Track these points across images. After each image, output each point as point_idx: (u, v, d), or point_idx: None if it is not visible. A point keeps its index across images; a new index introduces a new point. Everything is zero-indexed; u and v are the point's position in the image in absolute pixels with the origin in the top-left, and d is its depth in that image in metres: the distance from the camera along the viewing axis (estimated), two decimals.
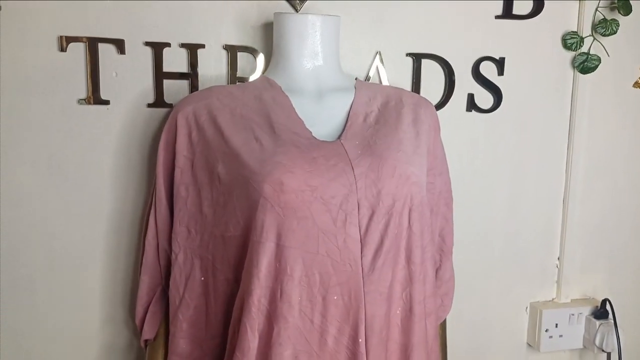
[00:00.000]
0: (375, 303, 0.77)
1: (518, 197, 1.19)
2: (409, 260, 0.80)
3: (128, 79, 0.97)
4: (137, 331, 1.01)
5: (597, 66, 1.14)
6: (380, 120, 0.87)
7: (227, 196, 0.80)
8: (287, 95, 0.86)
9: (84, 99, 0.96)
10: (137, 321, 0.92)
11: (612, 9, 1.13)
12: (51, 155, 0.96)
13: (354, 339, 0.76)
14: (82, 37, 0.93)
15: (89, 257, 1.00)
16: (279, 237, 0.75)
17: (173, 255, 0.86)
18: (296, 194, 0.74)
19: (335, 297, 0.76)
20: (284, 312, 0.74)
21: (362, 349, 0.76)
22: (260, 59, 1.00)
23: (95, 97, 0.96)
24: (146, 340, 0.92)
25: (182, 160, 0.85)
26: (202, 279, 0.85)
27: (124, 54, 0.96)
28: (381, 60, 1.06)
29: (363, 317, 0.76)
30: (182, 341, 0.85)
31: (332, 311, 0.76)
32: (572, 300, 1.24)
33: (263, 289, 0.75)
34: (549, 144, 1.19)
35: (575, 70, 1.15)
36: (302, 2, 1.00)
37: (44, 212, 0.97)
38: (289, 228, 0.74)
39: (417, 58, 1.08)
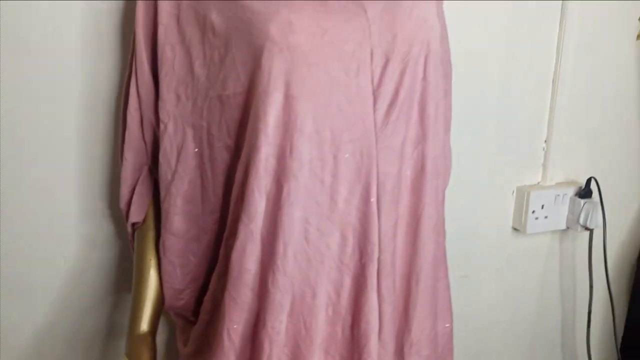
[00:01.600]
0: (388, 160, 0.72)
1: (510, 76, 1.16)
2: (422, 113, 0.75)
3: None
4: (119, 224, 0.94)
5: None
6: None
7: (223, 49, 0.71)
8: None
9: None
10: (123, 205, 0.84)
11: None
12: (7, 27, 0.83)
13: (366, 199, 0.72)
14: None
15: (60, 143, 0.90)
16: (287, 86, 0.67)
17: (162, 126, 0.78)
18: (306, 36, 0.66)
19: (347, 155, 0.70)
20: (295, 171, 0.69)
21: (374, 208, 0.72)
22: None
23: None
24: (134, 224, 0.85)
25: (165, 16, 0.75)
26: (196, 150, 0.77)
27: None
28: None
29: (375, 175, 0.72)
30: (176, 218, 0.79)
31: (343, 170, 0.71)
32: (556, 183, 1.25)
33: (271, 146, 0.69)
34: (541, 21, 1.15)
35: None
36: None
37: (5, 95, 0.85)
38: (298, 76, 0.67)
39: None
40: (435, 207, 0.78)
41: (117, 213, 0.93)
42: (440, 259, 0.84)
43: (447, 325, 0.89)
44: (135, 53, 0.78)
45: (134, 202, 0.83)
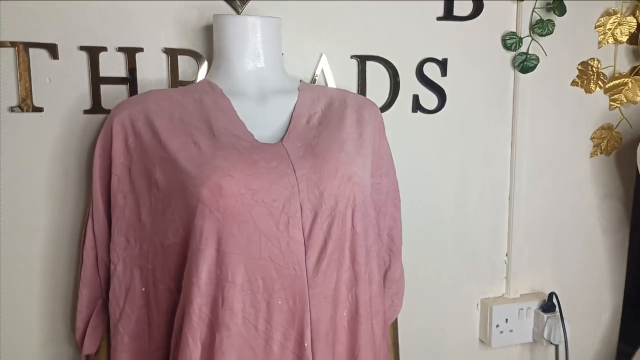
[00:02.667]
0: (320, 306, 0.76)
1: (465, 196, 1.21)
2: (353, 261, 0.79)
3: (62, 84, 0.93)
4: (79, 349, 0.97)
5: (536, 65, 1.17)
6: (324, 121, 0.86)
7: (165, 203, 0.78)
8: (228, 98, 0.85)
9: (16, 107, 0.91)
10: (78, 337, 0.88)
11: (548, 10, 1.17)
12: None
13: (300, 343, 0.75)
14: (11, 42, 0.89)
15: (26, 273, 0.95)
16: (219, 242, 0.73)
17: (112, 266, 0.83)
18: (236, 198, 0.72)
19: (279, 302, 0.74)
20: (227, 320, 0.73)
21: (309, 352, 0.75)
22: (203, 62, 0.98)
23: (27, 105, 0.92)
24: (87, 356, 0.88)
25: (119, 167, 0.82)
26: (143, 289, 0.82)
27: (58, 59, 0.92)
28: (326, 62, 1.06)
29: (309, 320, 0.75)
30: (123, 355, 0.82)
31: (277, 316, 0.75)
32: (521, 295, 1.27)
33: (204, 297, 0.73)
34: (493, 143, 1.21)
35: (516, 70, 1.18)
36: (244, 4, 0.99)
37: None
38: (229, 233, 0.72)
39: (361, 60, 1.08)
40: (372, 347, 0.81)
41: None
42: None
43: None
44: (92, 198, 0.85)
45: (87, 335, 0.87)
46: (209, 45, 0.98)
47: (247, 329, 0.74)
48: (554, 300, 1.23)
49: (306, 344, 0.75)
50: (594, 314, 1.35)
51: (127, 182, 0.82)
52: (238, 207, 0.72)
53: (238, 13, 0.99)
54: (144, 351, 0.83)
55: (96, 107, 0.94)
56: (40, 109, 0.92)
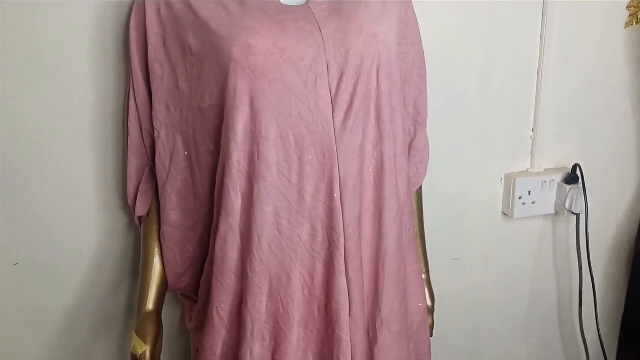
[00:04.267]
0: (348, 161, 0.81)
1: (492, 69, 1.21)
2: (378, 119, 0.83)
3: None
4: (132, 215, 1.07)
5: None
6: None
7: (200, 67, 0.82)
8: None
9: None
10: (130, 201, 0.97)
11: None
12: (28, 50, 0.96)
13: (330, 194, 0.81)
14: None
15: (77, 149, 1.03)
16: (252, 100, 0.78)
17: (156, 133, 0.90)
18: (265, 56, 0.76)
19: (310, 157, 0.80)
20: (262, 172, 0.79)
21: (338, 203, 0.81)
22: None
23: None
24: (140, 217, 0.98)
25: (153, 38, 0.86)
26: (186, 153, 0.89)
27: None
28: None
29: (337, 174, 0.81)
30: (172, 212, 0.91)
31: (308, 170, 0.81)
32: (545, 169, 1.30)
33: (241, 152, 0.79)
34: (523, 14, 1.19)
35: None
36: None
37: (26, 108, 0.99)
38: (260, 90, 0.77)
39: None
40: (396, 200, 0.87)
41: None
42: (408, 246, 0.93)
43: (421, 304, 0.97)
44: (132, 70, 0.90)
45: (138, 199, 0.96)
46: None
47: (281, 180, 0.80)
48: (578, 172, 1.26)
49: (335, 195, 0.81)
50: (618, 188, 1.38)
51: (163, 51, 0.86)
52: (268, 65, 0.76)
53: None
54: (190, 208, 0.91)
55: None
56: None
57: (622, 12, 1.24)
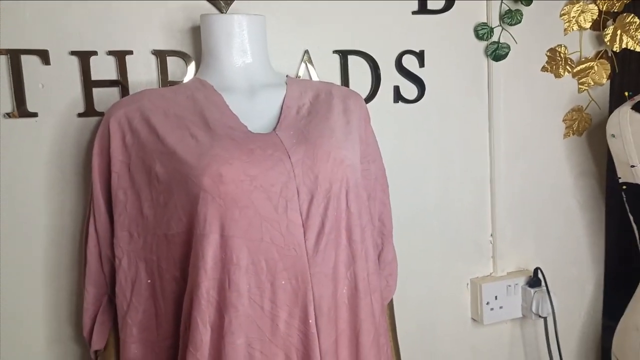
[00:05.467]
0: (322, 284, 0.80)
1: (448, 181, 1.26)
2: (350, 239, 0.83)
3: (55, 89, 0.95)
4: (86, 347, 0.98)
5: (507, 53, 1.23)
6: (312, 111, 0.91)
7: (166, 195, 0.81)
8: (219, 94, 0.88)
9: (9, 113, 0.93)
10: (85, 333, 0.90)
11: (515, 0, 1.23)
12: None
13: (305, 320, 0.78)
14: (3, 50, 0.91)
15: (29, 276, 0.97)
16: (222, 228, 0.76)
17: (117, 261, 0.85)
18: (236, 184, 0.76)
19: (283, 282, 0.78)
20: (234, 301, 0.76)
21: (313, 329, 0.78)
22: (191, 62, 1.01)
23: (21, 110, 0.94)
24: (96, 351, 0.90)
25: (118, 165, 0.85)
26: (149, 281, 0.84)
27: (49, 64, 0.94)
28: (309, 58, 1.10)
29: (311, 298, 0.78)
30: (133, 346, 0.84)
31: (281, 296, 0.78)
32: (507, 272, 1.32)
33: (211, 281, 0.76)
34: (472, 129, 1.27)
35: (489, 58, 1.25)
36: (228, 4, 1.03)
37: None
38: (231, 218, 0.76)
39: (343, 55, 1.13)
40: (372, 321, 0.84)
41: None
42: None
43: None
44: (93, 197, 0.87)
45: (95, 331, 0.89)
46: (196, 45, 1.02)
47: (253, 309, 0.77)
48: (539, 275, 1.28)
49: (310, 321, 0.78)
50: (577, 286, 1.41)
51: (127, 178, 0.84)
52: (238, 193, 0.76)
53: (223, 12, 1.03)
54: (152, 341, 0.85)
55: (89, 110, 0.97)
56: (34, 114, 0.94)
57: (559, 124, 1.34)
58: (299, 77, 1.10)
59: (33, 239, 0.97)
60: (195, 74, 1.00)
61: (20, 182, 0.95)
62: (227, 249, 0.76)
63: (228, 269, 0.76)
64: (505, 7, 1.23)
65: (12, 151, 0.94)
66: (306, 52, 1.10)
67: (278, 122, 0.87)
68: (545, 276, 1.28)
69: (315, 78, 1.11)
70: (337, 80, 1.13)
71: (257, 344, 0.77)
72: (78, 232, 0.98)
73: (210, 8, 1.02)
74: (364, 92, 1.16)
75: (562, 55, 1.31)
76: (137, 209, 0.84)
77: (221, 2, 1.02)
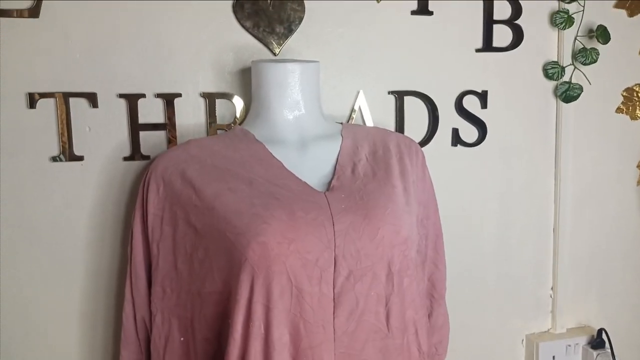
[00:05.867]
0: None
1: (508, 229, 1.17)
2: (388, 327, 0.76)
3: (102, 132, 0.93)
4: None
5: (579, 94, 1.13)
6: (368, 172, 0.83)
7: (202, 250, 0.77)
8: (264, 145, 0.83)
9: (57, 156, 0.92)
10: None
11: (590, 38, 1.13)
12: (24, 216, 0.92)
13: None
14: (52, 93, 0.90)
15: (64, 325, 0.96)
16: (251, 292, 0.71)
17: (152, 317, 0.82)
18: (272, 247, 0.70)
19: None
20: None
21: None
22: (239, 103, 0.97)
23: (69, 154, 0.92)
24: None
25: (151, 218, 0.82)
26: (182, 339, 0.81)
27: (97, 107, 0.92)
28: (363, 99, 1.04)
29: None
30: None
31: None
32: (567, 330, 1.22)
33: (237, 349, 0.72)
34: (536, 174, 1.17)
35: (558, 100, 1.15)
36: (280, 45, 0.98)
37: (17, 276, 0.93)
38: (262, 284, 0.71)
39: (399, 96, 1.06)
40: None
41: None
42: None
43: None
44: (131, 254, 0.84)
45: None
46: (245, 87, 0.97)
47: None
48: (604, 336, 1.18)
49: None
50: None
51: (159, 231, 0.81)
52: (273, 256, 0.70)
53: (274, 54, 0.98)
54: None
55: (135, 153, 0.94)
56: (80, 158, 0.92)
57: (633, 170, 1.23)
58: (352, 119, 1.04)
59: (71, 285, 0.95)
60: (244, 120, 0.95)
61: (64, 226, 0.94)
62: (254, 319, 0.71)
63: (252, 340, 0.71)
64: (579, 45, 1.12)
65: (58, 194, 0.93)
66: (359, 92, 1.04)
67: (331, 181, 0.81)
68: (610, 337, 1.18)
69: (369, 121, 1.04)
70: (391, 122, 1.07)
71: None
72: (114, 281, 0.96)
73: (261, 48, 0.97)
74: (420, 134, 1.09)
75: (639, 95, 1.20)
76: (170, 263, 0.81)
77: (273, 42, 0.97)
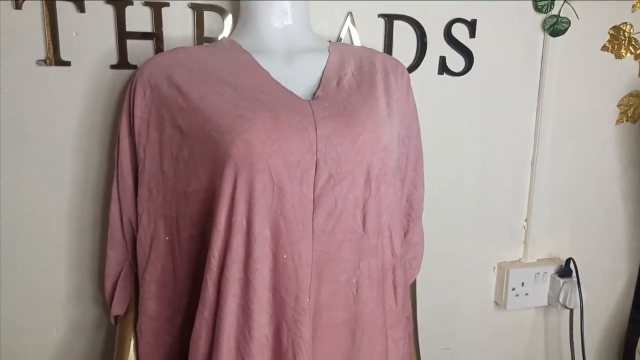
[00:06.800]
0: (326, 266, 0.77)
1: (487, 160, 1.20)
2: (364, 229, 0.79)
3: (89, 39, 0.93)
4: (106, 307, 1.00)
5: (567, 29, 1.14)
6: (353, 85, 0.85)
7: (187, 150, 0.79)
8: (250, 54, 0.84)
9: (43, 60, 0.92)
10: (107, 297, 0.91)
11: None
12: (10, 119, 0.92)
13: (301, 299, 0.76)
14: None
15: (52, 227, 0.98)
16: (234, 189, 0.74)
17: (138, 218, 0.85)
18: (256, 145, 0.72)
19: (284, 256, 0.75)
20: (236, 267, 0.74)
21: (306, 305, 0.76)
22: (228, 18, 0.97)
23: (55, 58, 0.92)
24: (116, 317, 0.91)
25: (138, 122, 0.83)
26: (167, 238, 0.84)
27: (84, 12, 0.91)
28: (352, 21, 1.04)
29: (308, 278, 0.76)
30: (151, 302, 0.85)
31: (281, 269, 0.76)
32: (538, 260, 1.27)
33: (219, 242, 0.75)
34: (519, 107, 1.20)
35: (546, 34, 1.16)
36: None
37: (5, 179, 0.94)
38: (245, 181, 0.73)
39: (389, 19, 1.06)
40: (382, 310, 0.82)
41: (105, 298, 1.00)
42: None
43: None
44: (118, 157, 0.86)
45: (116, 296, 0.89)
46: (235, 3, 0.97)
47: (253, 276, 0.75)
48: (571, 266, 1.24)
49: (307, 300, 0.76)
50: (609, 280, 1.36)
51: (146, 135, 0.82)
52: (257, 155, 0.72)
53: None
54: (169, 298, 0.85)
55: (123, 62, 0.94)
56: (67, 63, 0.92)
57: (613, 109, 1.26)
58: (341, 40, 1.04)
59: (58, 189, 0.96)
60: (231, 32, 0.96)
61: (50, 131, 0.94)
62: (236, 213, 0.74)
63: (235, 232, 0.74)
64: None
65: (44, 99, 0.93)
66: (349, 14, 1.04)
67: (316, 91, 0.83)
68: (578, 267, 1.24)
69: (357, 43, 1.05)
70: (380, 47, 1.07)
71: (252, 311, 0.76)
72: (102, 186, 0.98)
73: None
74: (408, 60, 1.10)
75: (626, 34, 1.21)
76: (156, 166, 0.83)
77: None
